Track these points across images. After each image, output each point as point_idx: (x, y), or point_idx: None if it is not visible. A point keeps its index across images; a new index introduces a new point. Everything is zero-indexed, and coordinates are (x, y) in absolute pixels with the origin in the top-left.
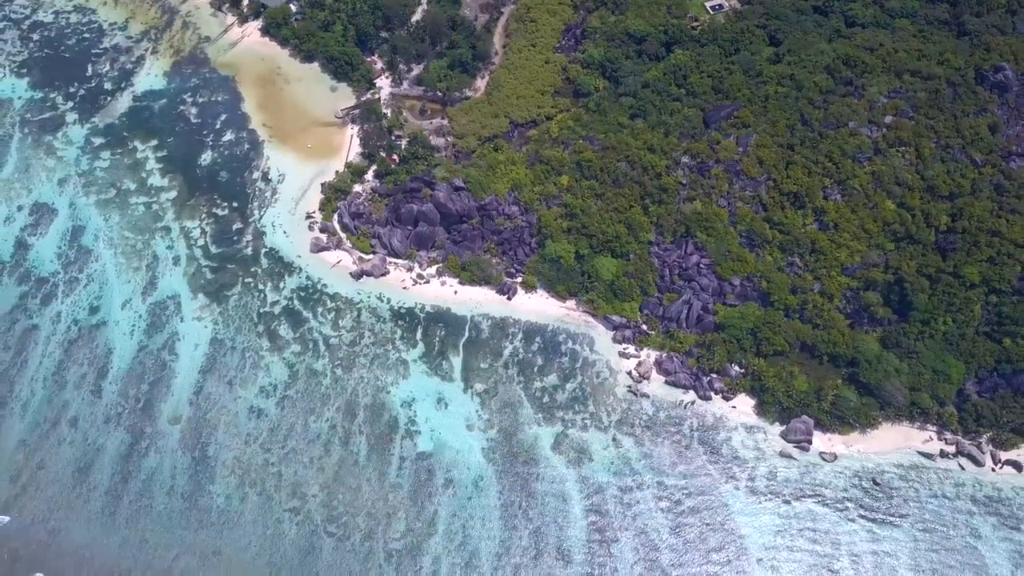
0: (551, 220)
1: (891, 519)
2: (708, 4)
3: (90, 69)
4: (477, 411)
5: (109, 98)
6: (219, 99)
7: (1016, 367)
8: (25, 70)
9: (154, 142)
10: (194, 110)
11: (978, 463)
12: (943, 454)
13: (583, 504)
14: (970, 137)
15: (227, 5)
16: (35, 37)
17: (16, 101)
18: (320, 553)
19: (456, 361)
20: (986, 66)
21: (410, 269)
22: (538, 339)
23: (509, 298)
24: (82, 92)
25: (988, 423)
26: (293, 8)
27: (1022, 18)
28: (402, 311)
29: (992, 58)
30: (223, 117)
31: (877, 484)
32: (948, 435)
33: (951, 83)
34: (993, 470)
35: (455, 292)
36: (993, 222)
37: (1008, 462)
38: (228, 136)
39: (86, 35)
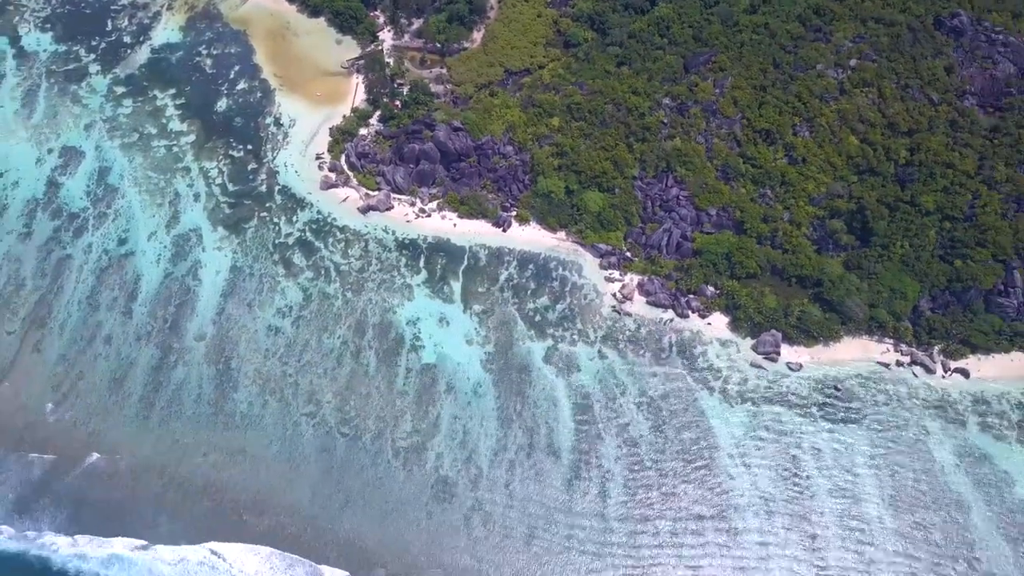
0: (543, 158)
1: (850, 419)
2: None
3: (110, 24)
4: (475, 328)
5: (129, 50)
6: (232, 51)
7: (965, 285)
8: (48, 25)
9: (172, 90)
10: (209, 61)
11: (930, 371)
12: (898, 363)
13: (571, 407)
14: (927, 78)
15: None
16: (50, 19)
17: (41, 54)
18: (334, 451)
19: (456, 286)
20: (944, 13)
21: (413, 204)
22: (531, 266)
23: (504, 230)
24: (103, 45)
25: (939, 336)
26: None
27: None
28: (406, 242)
29: (950, 6)
30: (236, 68)
31: (838, 390)
32: (903, 347)
33: (911, 28)
34: (943, 377)
35: (454, 225)
36: (947, 155)
37: (957, 370)
38: (241, 85)
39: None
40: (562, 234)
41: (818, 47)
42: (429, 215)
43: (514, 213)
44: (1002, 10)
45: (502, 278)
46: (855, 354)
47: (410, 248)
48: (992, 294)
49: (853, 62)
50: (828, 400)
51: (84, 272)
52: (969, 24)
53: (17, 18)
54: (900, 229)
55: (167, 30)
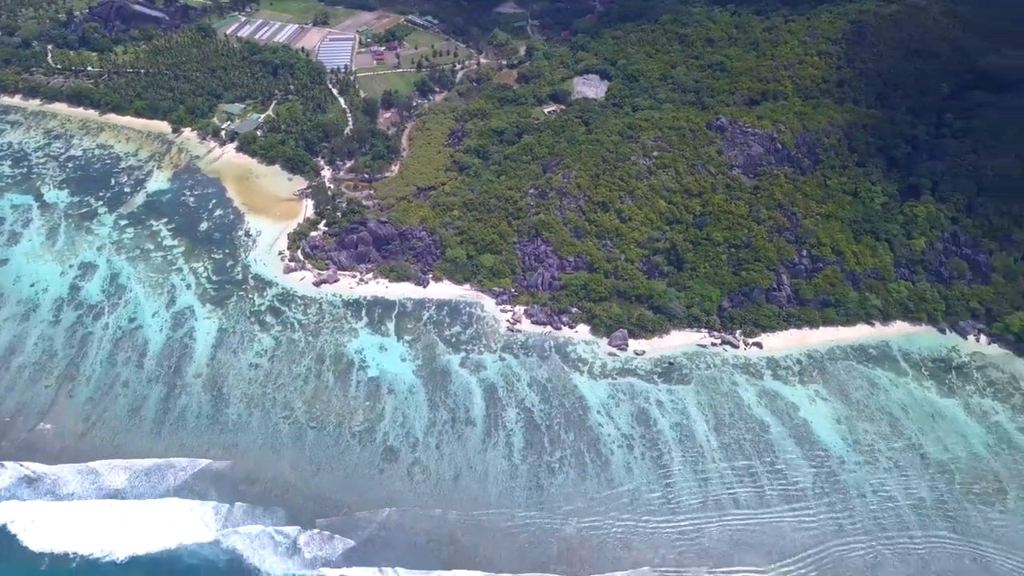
0: (448, 237)
1: (682, 381)
2: (545, 109)
3: (112, 181)
4: (407, 351)
5: (128, 196)
6: (209, 191)
7: (750, 288)
8: (65, 185)
9: (165, 219)
10: (192, 199)
11: (735, 346)
12: (712, 344)
13: (481, 392)
14: (705, 159)
15: (210, 136)
16: (70, 165)
17: (60, 204)
18: (305, 439)
19: (391, 325)
20: (711, 119)
21: (354, 276)
22: (445, 308)
23: (424, 287)
24: (108, 195)
25: (738, 323)
26: (259, 133)
27: (739, 96)
28: (350, 301)
29: (715, 116)
30: (213, 202)
31: (671, 364)
32: (714, 333)
33: (692, 131)
34: (744, 349)
35: (386, 287)
36: (727, 205)
37: (754, 344)
38: (218, 212)
39: (107, 161)
40: (467, 286)
41: (631, 146)
42: (367, 282)
43: (430, 275)
44: (749, 114)
45: (424, 317)
46: (681, 341)
47: (354, 305)
48: (770, 292)
49: (655, 153)
50: (664, 371)
51: (103, 342)
52: (728, 124)
53: (39, 182)
54: (701, 256)
55: (158, 181)
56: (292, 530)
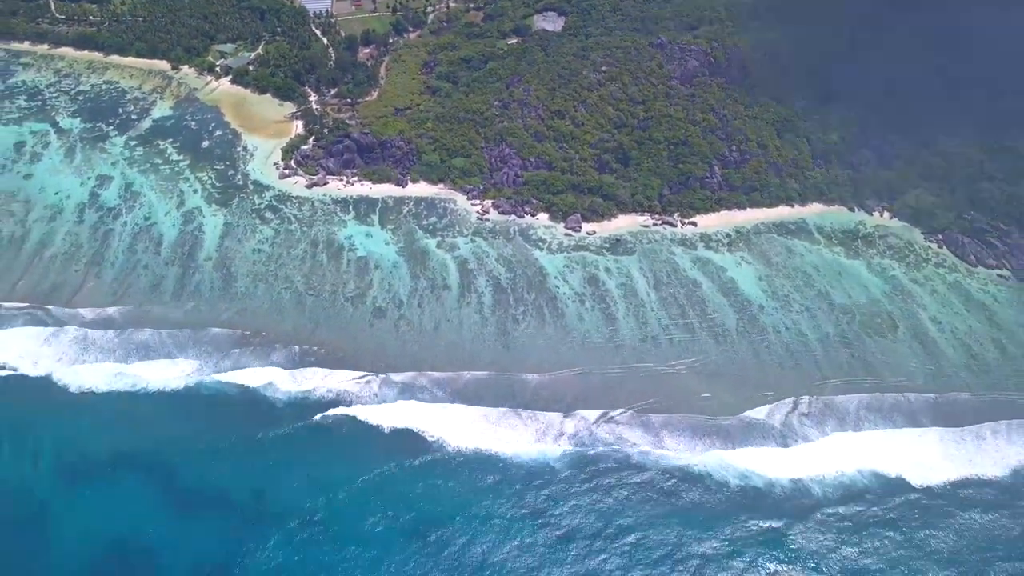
0: (423, 144)
1: (627, 252)
2: (508, 41)
3: (120, 110)
4: (390, 236)
5: (136, 122)
6: (209, 116)
7: (687, 176)
8: (77, 114)
9: (170, 140)
10: (193, 123)
11: (673, 225)
12: (654, 224)
13: (455, 266)
14: (648, 72)
15: (206, 72)
16: (80, 98)
17: (75, 129)
18: (305, 303)
19: (375, 217)
20: (653, 39)
21: (341, 180)
22: (423, 203)
23: (403, 187)
24: (117, 121)
25: (676, 207)
26: (251, 68)
27: (679, 22)
28: (339, 199)
29: (656, 36)
30: (212, 125)
31: (618, 240)
32: (655, 215)
33: (636, 49)
34: (681, 227)
35: (370, 188)
36: (666, 110)
37: (689, 223)
38: (217, 133)
39: (114, 94)
40: (441, 185)
41: (583, 63)
42: (353, 184)
43: (408, 177)
44: (687, 35)
45: (404, 211)
46: (627, 223)
47: (342, 203)
48: (703, 180)
49: (604, 68)
50: (612, 246)
51: (123, 235)
52: (667, 42)
53: (54, 112)
54: (644, 153)
55: (161, 109)
56: (291, 365)
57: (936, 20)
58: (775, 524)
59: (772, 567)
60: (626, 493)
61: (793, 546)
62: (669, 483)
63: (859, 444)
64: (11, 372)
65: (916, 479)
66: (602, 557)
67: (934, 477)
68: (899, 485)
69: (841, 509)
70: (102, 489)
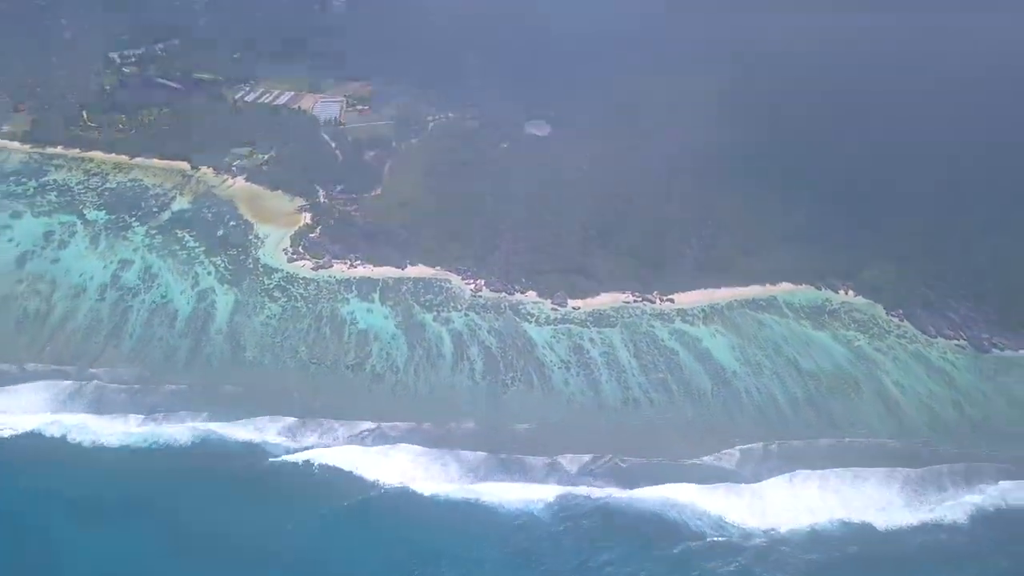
0: (423, 231)
1: (607, 325)
2: (502, 145)
3: (142, 204)
4: (389, 311)
5: (156, 214)
6: (224, 209)
7: (660, 260)
8: (103, 207)
9: (187, 229)
10: (209, 215)
11: (651, 302)
12: (635, 302)
13: (450, 338)
14: (624, 159)
15: (222, 171)
16: (106, 194)
17: (100, 220)
18: (308, 371)
19: (376, 296)
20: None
21: (345, 263)
22: (420, 283)
23: (403, 269)
24: (139, 213)
25: (656, 287)
26: (264, 168)
27: None
28: (342, 280)
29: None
30: (227, 216)
31: (601, 315)
32: (635, 295)
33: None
34: (659, 304)
35: (372, 270)
36: (640, 194)
37: (667, 300)
38: (231, 223)
39: (137, 190)
40: (438, 268)
41: (564, 157)
42: (355, 267)
43: (408, 259)
44: (662, 117)
45: (403, 289)
46: (611, 301)
47: (345, 283)
48: (679, 258)
49: (585, 167)
50: (596, 319)
51: (141, 311)
52: (643, 138)
53: (80, 206)
54: (625, 237)
55: (180, 203)
56: (293, 422)
57: (885, 130)
58: (739, 559)
59: None
60: (601, 529)
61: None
62: (641, 522)
63: (823, 487)
64: (30, 428)
65: (880, 522)
66: None
67: (897, 519)
68: (863, 526)
69: (805, 544)
70: (113, 531)
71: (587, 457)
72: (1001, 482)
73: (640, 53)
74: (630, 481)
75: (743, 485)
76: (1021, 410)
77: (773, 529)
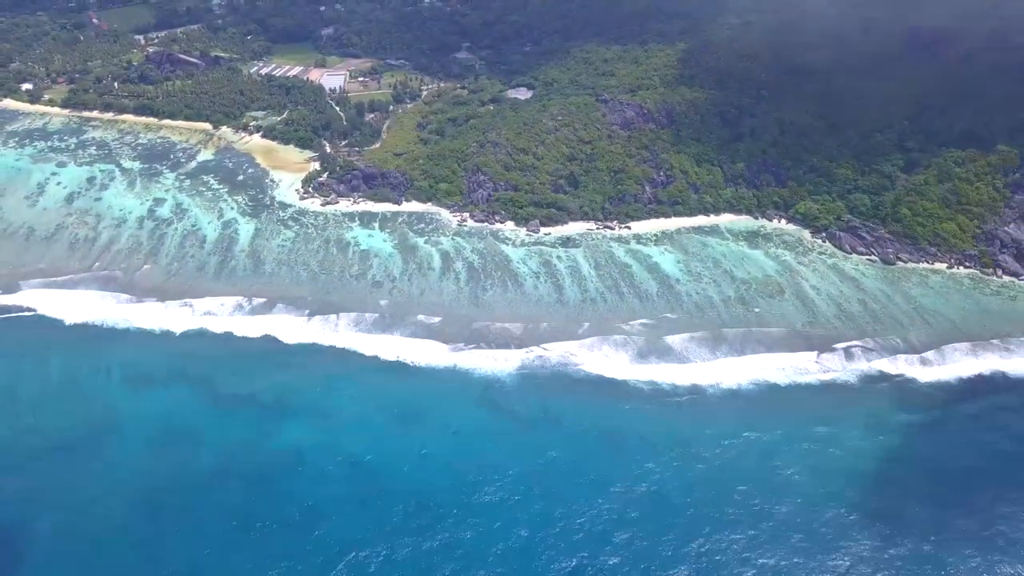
0: (416, 175)
1: (574, 246)
2: (486, 107)
3: (171, 156)
4: (387, 236)
5: (184, 163)
6: (243, 160)
7: (622, 195)
8: (137, 159)
9: (212, 175)
10: (230, 164)
11: (612, 229)
12: (597, 229)
13: (438, 255)
14: (594, 120)
15: (241, 130)
16: (139, 148)
17: (135, 168)
18: (318, 279)
19: (376, 225)
20: (599, 97)
21: (349, 200)
22: (414, 216)
23: (399, 204)
24: (169, 163)
25: (615, 215)
26: (277, 126)
27: (621, 88)
28: (347, 213)
29: (603, 92)
30: (246, 165)
31: (568, 239)
32: (598, 222)
33: (585, 105)
34: (618, 230)
35: (373, 205)
36: (608, 147)
37: (624, 227)
38: (250, 170)
39: (166, 145)
40: (429, 203)
41: (543, 114)
42: (358, 203)
43: (403, 198)
44: (627, 94)
45: (399, 220)
46: (576, 228)
47: (349, 215)
48: (637, 196)
49: (559, 118)
50: (563, 242)
51: (174, 236)
52: (610, 99)
53: (118, 157)
54: (591, 179)
55: (204, 155)
56: (306, 315)
57: (819, 84)
58: (666, 403)
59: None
60: (556, 386)
61: (688, 409)
62: (587, 382)
63: (741, 360)
64: (88, 320)
65: (784, 381)
66: (543, 431)
67: (803, 379)
68: (770, 385)
69: (723, 396)
70: (158, 391)
71: (547, 336)
72: (891, 356)
73: (607, 27)
74: (586, 352)
75: (672, 356)
76: (913, 304)
77: (696, 386)
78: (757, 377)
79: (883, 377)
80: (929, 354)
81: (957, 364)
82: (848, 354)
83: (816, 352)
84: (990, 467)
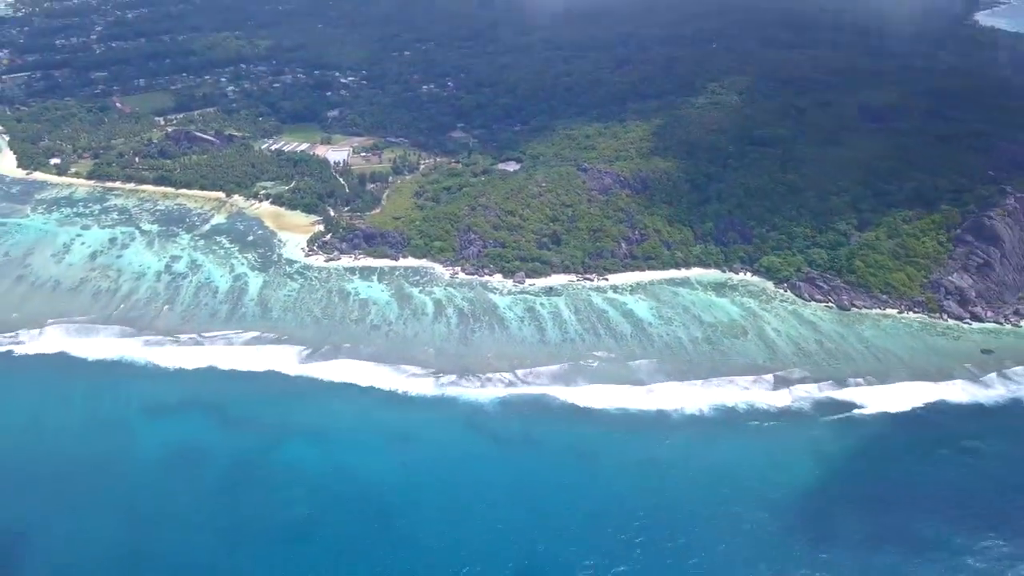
0: (413, 235)
1: (555, 295)
2: (478, 178)
3: (187, 220)
4: (385, 287)
5: (199, 227)
6: (253, 223)
7: (601, 251)
8: (155, 222)
9: (224, 236)
10: (241, 227)
11: (591, 280)
12: (577, 280)
13: (432, 304)
14: (575, 186)
15: (252, 198)
16: (157, 213)
17: (153, 231)
18: (321, 322)
19: (374, 278)
20: (580, 166)
21: (351, 257)
22: (411, 270)
23: (396, 260)
24: (184, 226)
25: (594, 269)
26: (285, 194)
27: (601, 159)
28: (348, 268)
29: (582, 165)
30: (255, 228)
31: (551, 289)
32: (579, 274)
33: (567, 173)
34: (597, 281)
35: (372, 261)
36: (588, 210)
37: (602, 279)
38: (259, 232)
39: (182, 211)
40: (424, 259)
41: (529, 181)
42: (358, 260)
43: (400, 255)
44: (605, 164)
45: (396, 273)
46: (558, 279)
47: (350, 270)
48: (614, 252)
49: (544, 184)
50: (547, 292)
51: (189, 288)
52: (590, 167)
53: (138, 221)
54: (572, 237)
55: (217, 219)
56: (308, 352)
57: (780, 153)
58: (634, 424)
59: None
60: (537, 414)
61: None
62: (565, 408)
63: (705, 388)
64: (108, 356)
65: (743, 407)
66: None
67: (760, 406)
68: (729, 409)
69: (685, 418)
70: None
71: (530, 370)
72: (842, 388)
73: (588, 107)
74: (562, 384)
75: (642, 387)
76: (866, 344)
77: (661, 410)
78: (718, 403)
79: (834, 406)
80: (879, 387)
81: (903, 396)
82: (803, 385)
83: (773, 383)
84: (919, 492)
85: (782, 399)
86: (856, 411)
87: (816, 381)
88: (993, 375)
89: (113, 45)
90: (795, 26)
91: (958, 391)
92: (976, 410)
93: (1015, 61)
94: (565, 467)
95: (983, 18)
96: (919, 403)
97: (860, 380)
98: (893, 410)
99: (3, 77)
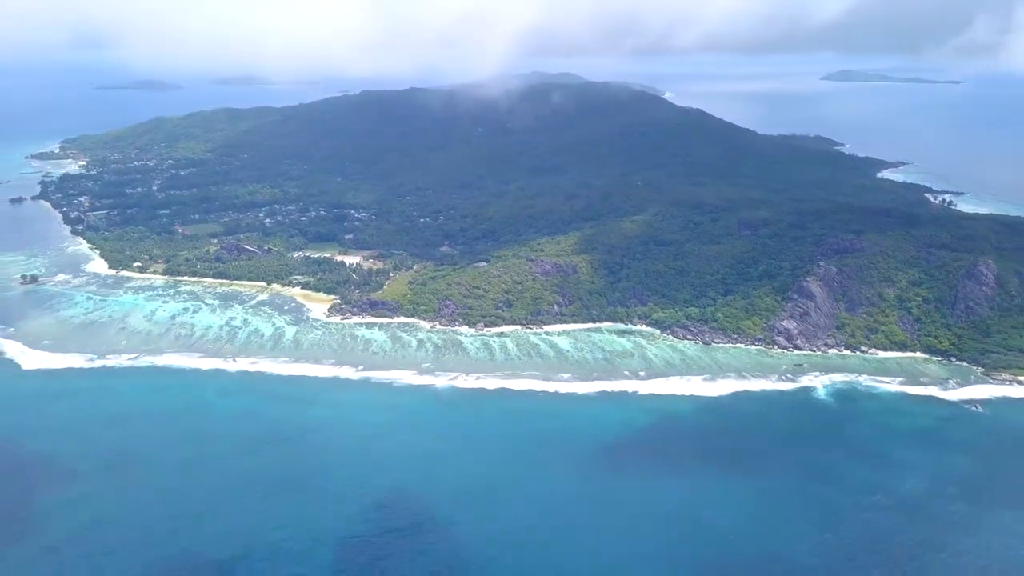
0: (405, 303)
1: (503, 337)
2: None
3: (239, 298)
4: (385, 336)
5: (248, 302)
6: (288, 300)
7: (539, 311)
8: (215, 299)
9: (266, 307)
10: (279, 302)
11: (530, 329)
12: (522, 329)
13: (415, 342)
14: (524, 270)
15: (287, 285)
16: (217, 295)
17: (215, 304)
18: (337, 353)
19: (376, 328)
20: (529, 259)
21: (361, 317)
22: (402, 324)
23: (392, 318)
24: (236, 301)
25: (533, 322)
26: (312, 282)
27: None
28: (358, 324)
29: (529, 258)
30: (290, 303)
31: (502, 333)
32: (522, 326)
33: (518, 263)
34: (535, 329)
35: (376, 319)
36: (532, 285)
37: (539, 328)
38: (292, 305)
39: (235, 293)
40: (413, 318)
41: (491, 270)
42: (365, 318)
43: (395, 314)
44: (547, 255)
45: (392, 326)
46: (509, 328)
47: (359, 325)
48: (547, 311)
49: (502, 271)
50: (499, 336)
51: (243, 335)
52: (536, 259)
53: (202, 298)
54: (519, 303)
55: (261, 297)
56: (329, 369)
57: (673, 249)
58: (550, 397)
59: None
60: (492, 399)
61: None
62: (503, 392)
63: (599, 384)
64: (190, 367)
65: (619, 391)
66: (466, 409)
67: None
68: (611, 393)
69: (577, 400)
70: (234, 398)
71: (480, 374)
72: (688, 380)
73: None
74: (500, 379)
75: (555, 381)
76: (715, 361)
77: (561, 392)
78: (601, 389)
79: (681, 389)
80: (716, 381)
81: (728, 386)
82: (664, 379)
83: (645, 378)
84: (701, 444)
85: (651, 388)
86: (692, 392)
87: (677, 376)
88: (797, 377)
89: (172, 193)
90: (714, 169)
91: (769, 384)
92: (775, 394)
93: (881, 196)
94: (494, 421)
95: (886, 174)
96: (739, 389)
97: (703, 377)
98: (716, 395)
99: (88, 214)
